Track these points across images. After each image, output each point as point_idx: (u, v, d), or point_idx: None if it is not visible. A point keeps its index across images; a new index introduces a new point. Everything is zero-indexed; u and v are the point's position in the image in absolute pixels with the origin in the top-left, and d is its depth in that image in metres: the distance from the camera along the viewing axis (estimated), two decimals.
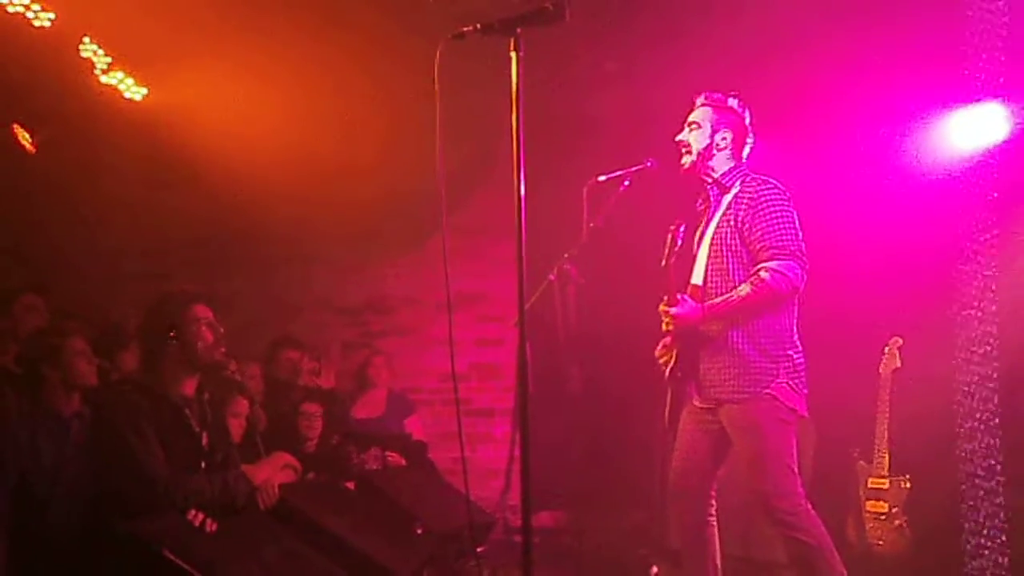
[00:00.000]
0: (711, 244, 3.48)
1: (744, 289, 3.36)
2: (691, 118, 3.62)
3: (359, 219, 5.94)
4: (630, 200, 3.94)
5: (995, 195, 4.83)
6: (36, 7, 4.65)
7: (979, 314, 4.89)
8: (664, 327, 3.50)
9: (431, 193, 2.82)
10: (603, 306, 4.13)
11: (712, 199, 3.58)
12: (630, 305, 3.93)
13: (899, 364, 4.84)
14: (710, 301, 3.43)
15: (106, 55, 5.11)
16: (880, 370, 4.88)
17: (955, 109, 4.90)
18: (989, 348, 4.86)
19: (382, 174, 5.49)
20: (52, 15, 4.69)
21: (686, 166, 3.58)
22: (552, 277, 4.12)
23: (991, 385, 4.85)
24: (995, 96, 4.77)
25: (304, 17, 4.84)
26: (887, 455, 4.81)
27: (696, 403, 3.53)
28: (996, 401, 4.84)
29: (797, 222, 3.43)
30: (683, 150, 3.59)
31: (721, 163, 3.56)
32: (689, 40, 4.90)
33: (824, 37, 4.62)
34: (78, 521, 3.32)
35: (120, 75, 5.24)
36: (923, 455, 4.81)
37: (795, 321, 3.47)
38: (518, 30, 2.60)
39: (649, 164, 3.86)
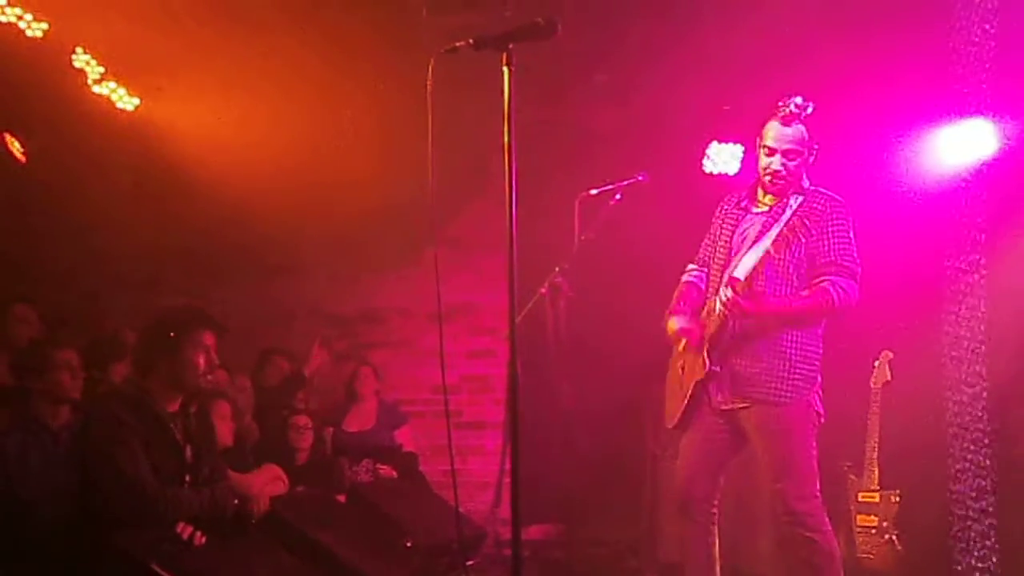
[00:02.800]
0: (774, 242, 3.34)
1: (806, 295, 3.40)
2: (785, 143, 3.45)
3: (351, 230, 5.94)
4: (622, 213, 3.96)
5: (983, 211, 4.86)
6: (29, 17, 4.65)
7: (969, 328, 4.92)
8: (722, 300, 3.37)
9: (424, 205, 2.83)
10: (594, 319, 4.14)
11: (780, 201, 3.49)
12: (621, 318, 3.94)
13: (890, 378, 4.86)
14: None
15: (99, 65, 5.11)
16: (871, 384, 4.89)
17: (943, 125, 4.94)
18: (979, 363, 4.88)
19: (375, 186, 5.50)
20: (45, 25, 4.70)
21: (778, 187, 3.48)
22: (543, 290, 4.13)
23: (981, 399, 4.87)
24: (983, 112, 4.81)
25: (297, 30, 4.85)
26: (877, 469, 4.82)
27: (721, 405, 3.48)
28: (986, 415, 4.85)
29: (855, 240, 3.46)
30: (773, 181, 3.46)
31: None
32: (681, 53, 4.93)
33: (813, 54, 4.65)
34: (67, 534, 3.29)
35: (112, 85, 5.23)
36: (913, 469, 4.82)
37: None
38: (510, 45, 2.61)
39: (641, 178, 3.87)
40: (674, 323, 3.59)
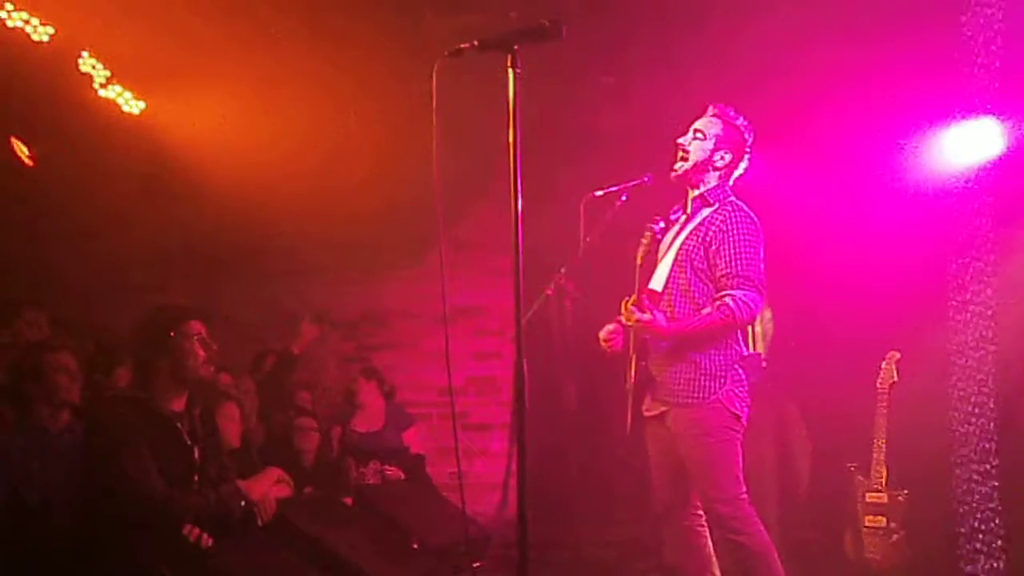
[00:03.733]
0: (677, 254, 3.51)
1: (708, 312, 3.41)
2: (698, 125, 3.58)
3: (357, 232, 5.94)
4: (627, 215, 3.95)
5: (990, 211, 4.85)
6: (35, 21, 4.67)
7: (977, 329, 4.90)
8: (624, 319, 3.47)
9: (429, 207, 2.83)
10: (600, 320, 4.13)
11: (692, 211, 3.59)
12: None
13: (896, 378, 4.85)
14: (671, 315, 3.46)
15: (105, 69, 5.13)
16: (877, 384, 4.88)
17: (950, 125, 4.93)
18: (987, 363, 4.87)
19: (380, 187, 5.50)
20: (51, 30, 4.72)
21: (678, 172, 3.57)
22: (549, 291, 4.13)
23: (988, 399, 4.86)
24: (990, 112, 4.80)
25: (302, 32, 4.86)
26: (885, 469, 4.81)
27: (646, 412, 3.56)
28: (993, 415, 4.84)
29: (762, 253, 3.47)
30: (680, 154, 3.56)
31: (711, 180, 3.57)
32: (687, 54, 4.93)
33: (819, 54, 4.64)
34: (72, 537, 3.30)
35: (118, 89, 5.25)
36: (921, 469, 4.81)
37: (743, 339, 3.54)
38: (515, 47, 2.61)
39: (647, 179, 3.86)
40: (602, 332, 3.67)
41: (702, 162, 3.54)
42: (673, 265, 3.52)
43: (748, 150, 3.60)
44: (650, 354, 3.53)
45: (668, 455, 3.55)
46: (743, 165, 3.61)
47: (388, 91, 5.11)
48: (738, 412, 3.45)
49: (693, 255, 3.47)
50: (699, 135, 3.55)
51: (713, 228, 3.46)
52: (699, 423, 3.42)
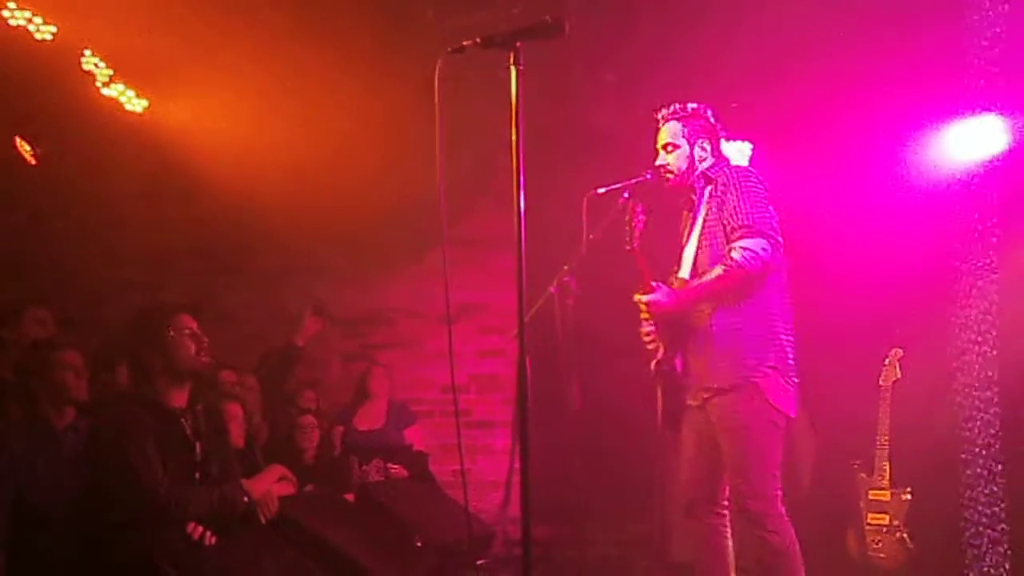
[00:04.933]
0: (700, 235, 3.53)
1: (716, 271, 3.39)
2: (664, 139, 3.61)
3: (359, 231, 5.95)
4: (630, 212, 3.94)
5: (993, 208, 4.85)
6: (38, 20, 4.67)
7: (979, 326, 4.90)
8: (643, 316, 3.49)
9: (432, 205, 2.83)
10: (603, 318, 4.14)
11: (698, 192, 3.62)
12: (630, 317, 3.93)
13: (899, 375, 4.84)
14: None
15: (107, 68, 5.13)
16: (880, 382, 4.88)
17: (953, 122, 4.92)
18: (989, 360, 4.86)
19: (383, 186, 5.50)
20: (54, 28, 4.71)
21: (672, 183, 3.63)
22: (552, 289, 4.12)
23: (992, 396, 4.85)
24: (993, 109, 4.79)
25: (304, 31, 4.86)
26: (888, 467, 4.81)
27: (689, 401, 3.53)
28: (997, 413, 4.84)
29: (767, 200, 3.46)
30: (667, 175, 3.61)
31: (704, 165, 3.62)
32: (690, 51, 4.92)
33: (822, 50, 4.64)
34: (76, 535, 3.31)
35: (121, 87, 5.25)
36: (924, 467, 4.80)
37: (786, 300, 3.48)
38: (518, 44, 2.61)
39: (649, 176, 3.86)
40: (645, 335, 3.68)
41: (687, 167, 3.59)
42: (698, 248, 3.52)
43: (716, 123, 3.63)
44: (687, 343, 3.49)
45: (704, 447, 3.50)
46: (722, 136, 3.66)
47: (391, 89, 5.11)
48: (780, 406, 3.37)
49: (716, 229, 3.48)
50: (670, 147, 3.59)
51: (719, 194, 3.49)
52: (739, 416, 3.36)
